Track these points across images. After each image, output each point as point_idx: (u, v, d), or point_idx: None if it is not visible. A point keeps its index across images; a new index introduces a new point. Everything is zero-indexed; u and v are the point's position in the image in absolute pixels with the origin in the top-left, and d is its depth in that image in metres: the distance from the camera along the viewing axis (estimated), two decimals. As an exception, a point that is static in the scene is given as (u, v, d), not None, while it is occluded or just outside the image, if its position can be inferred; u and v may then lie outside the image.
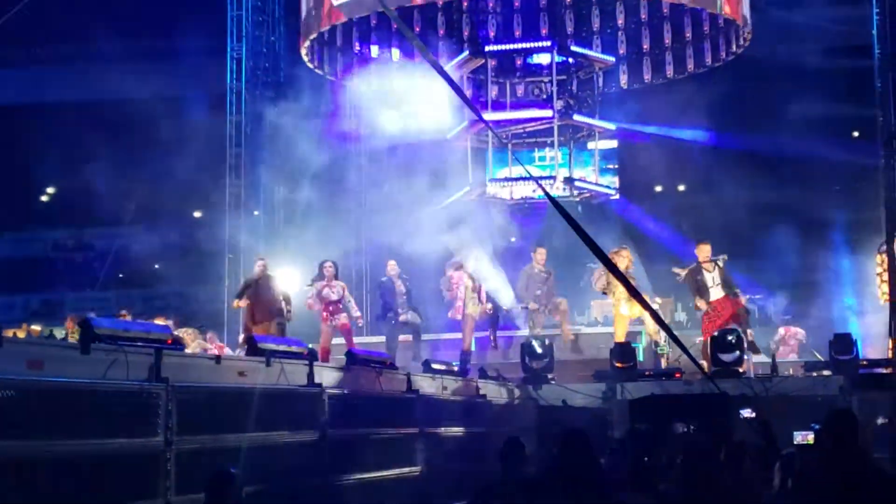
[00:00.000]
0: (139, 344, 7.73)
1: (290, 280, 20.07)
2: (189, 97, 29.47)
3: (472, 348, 18.15)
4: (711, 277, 17.56)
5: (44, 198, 38.90)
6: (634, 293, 9.70)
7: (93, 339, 7.36)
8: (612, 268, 10.04)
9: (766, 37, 24.61)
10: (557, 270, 19.47)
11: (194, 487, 7.04)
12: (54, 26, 30.01)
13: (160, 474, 7.08)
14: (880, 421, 11.46)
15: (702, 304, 17.58)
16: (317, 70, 23.19)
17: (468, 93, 20.77)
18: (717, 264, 17.65)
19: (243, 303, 18.20)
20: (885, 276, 19.25)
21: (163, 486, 7.09)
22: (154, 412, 7.08)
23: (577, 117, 20.75)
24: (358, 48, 22.84)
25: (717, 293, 17.56)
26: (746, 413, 11.56)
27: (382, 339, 18.39)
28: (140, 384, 7.24)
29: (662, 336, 18.50)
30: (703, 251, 17.77)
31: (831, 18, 26.71)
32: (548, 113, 20.46)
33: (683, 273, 17.93)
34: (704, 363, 16.08)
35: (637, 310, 17.38)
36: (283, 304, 18.16)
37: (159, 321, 17.46)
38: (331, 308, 17.69)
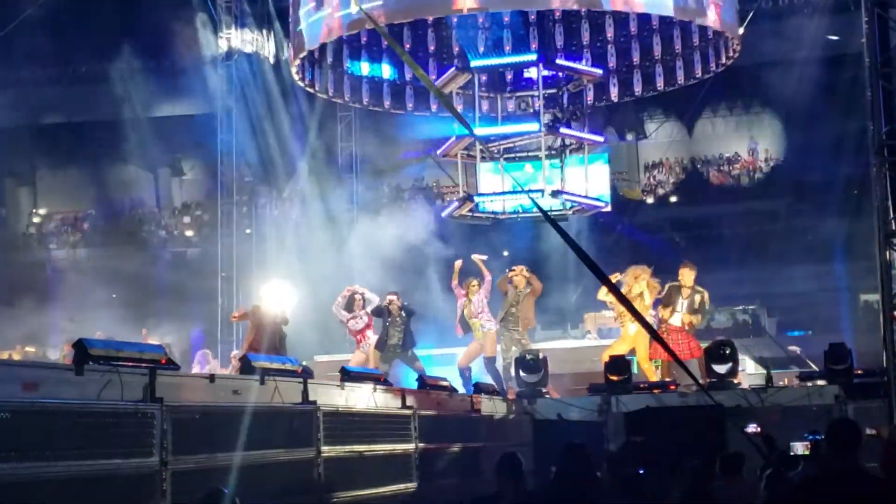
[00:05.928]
0: (133, 364, 7.70)
1: (286, 295, 19.90)
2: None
3: (471, 364, 18.04)
4: (682, 303, 17.24)
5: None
6: (635, 314, 9.63)
7: (87, 360, 7.33)
8: (610, 286, 10.01)
9: (755, 46, 24.65)
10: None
11: (190, 507, 7.03)
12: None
13: (156, 495, 7.07)
14: (869, 431, 11.41)
15: (665, 313, 17.31)
16: (307, 88, 23.20)
17: (458, 108, 20.76)
18: (700, 294, 17.37)
19: (239, 314, 18.34)
20: None
21: (159, 506, 7.08)
22: (149, 432, 7.08)
23: (564, 130, 20.72)
24: (348, 66, 22.82)
25: (677, 319, 17.25)
26: (751, 428, 11.52)
27: None
28: (135, 404, 7.24)
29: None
30: (686, 276, 17.40)
31: (822, 27, 26.73)
32: (534, 127, 20.44)
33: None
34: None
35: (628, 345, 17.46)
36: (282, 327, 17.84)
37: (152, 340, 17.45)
38: (358, 337, 18.28)
